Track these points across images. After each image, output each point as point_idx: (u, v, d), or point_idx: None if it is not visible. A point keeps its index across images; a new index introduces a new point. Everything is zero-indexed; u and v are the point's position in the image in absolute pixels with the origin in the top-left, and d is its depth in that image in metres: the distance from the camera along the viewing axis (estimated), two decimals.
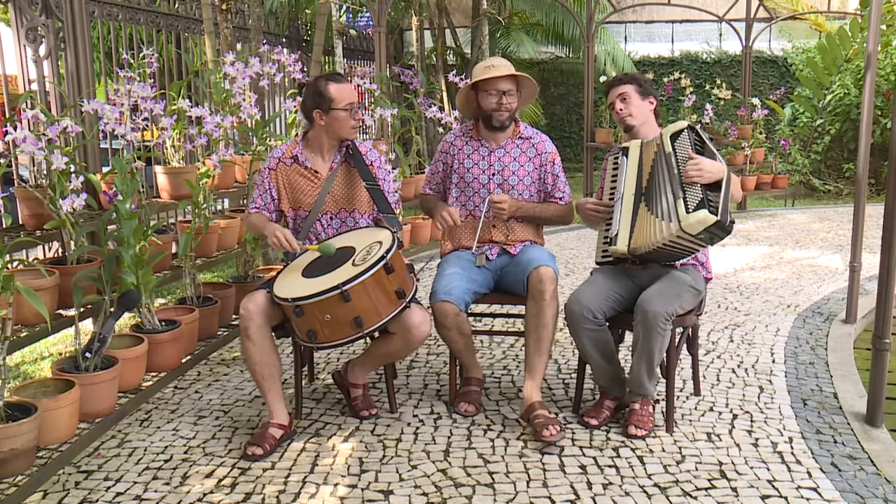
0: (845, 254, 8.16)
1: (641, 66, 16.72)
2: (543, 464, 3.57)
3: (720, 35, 17.62)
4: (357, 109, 3.93)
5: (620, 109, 4.02)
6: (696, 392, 4.40)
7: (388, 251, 3.56)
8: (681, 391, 4.42)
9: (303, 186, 4.02)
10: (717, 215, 3.51)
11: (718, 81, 12.16)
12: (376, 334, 4.05)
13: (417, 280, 3.82)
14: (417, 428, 3.96)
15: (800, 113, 13.78)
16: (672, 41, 18.30)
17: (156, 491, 3.38)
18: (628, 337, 4.23)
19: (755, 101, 11.16)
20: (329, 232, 4.03)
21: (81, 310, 3.98)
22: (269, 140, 5.63)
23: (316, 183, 4.00)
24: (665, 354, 3.96)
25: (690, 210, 3.55)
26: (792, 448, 3.73)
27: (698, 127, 3.89)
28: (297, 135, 4.25)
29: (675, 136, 3.79)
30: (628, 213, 3.86)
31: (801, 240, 9.18)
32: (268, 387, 3.77)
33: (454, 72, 8.53)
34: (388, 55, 14.53)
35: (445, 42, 14.14)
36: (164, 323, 4.36)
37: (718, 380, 4.61)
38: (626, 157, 3.96)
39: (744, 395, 4.37)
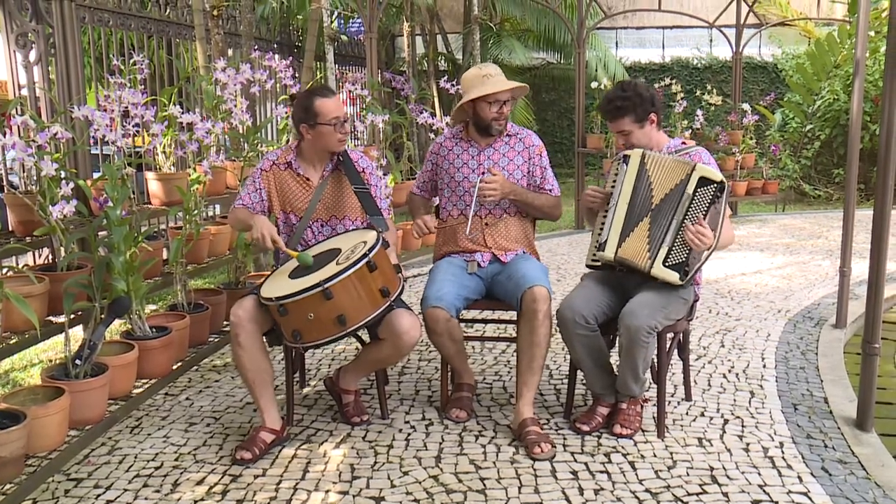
0: (835, 259, 8.17)
1: (632, 72, 16.78)
2: (535, 470, 3.57)
3: (710, 41, 17.67)
4: (343, 123, 3.92)
5: (623, 144, 3.98)
6: (688, 397, 4.39)
7: (371, 249, 3.57)
8: (672, 396, 4.41)
9: (294, 191, 4.03)
10: (682, 281, 3.75)
11: (709, 87, 12.17)
12: (366, 338, 4.05)
13: (404, 281, 3.81)
14: (409, 434, 3.95)
15: (790, 118, 13.83)
16: (663, 47, 18.33)
17: (146, 499, 3.36)
18: None
19: (745, 106, 11.18)
20: (319, 238, 4.03)
21: (72, 316, 3.96)
22: (260, 146, 5.60)
23: (307, 189, 4.02)
24: (656, 359, 3.97)
25: (667, 265, 3.75)
26: (783, 453, 3.73)
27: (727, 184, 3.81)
28: (287, 141, 4.25)
29: (702, 182, 3.71)
30: (620, 221, 3.87)
31: (792, 245, 9.20)
32: (259, 392, 3.77)
33: (445, 78, 8.52)
34: (380, 61, 14.54)
35: (437, 48, 14.13)
36: (154, 329, 4.34)
37: (709, 385, 4.61)
38: (626, 164, 3.92)
39: (735, 401, 4.37)
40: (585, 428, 3.94)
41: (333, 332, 3.54)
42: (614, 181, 3.99)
